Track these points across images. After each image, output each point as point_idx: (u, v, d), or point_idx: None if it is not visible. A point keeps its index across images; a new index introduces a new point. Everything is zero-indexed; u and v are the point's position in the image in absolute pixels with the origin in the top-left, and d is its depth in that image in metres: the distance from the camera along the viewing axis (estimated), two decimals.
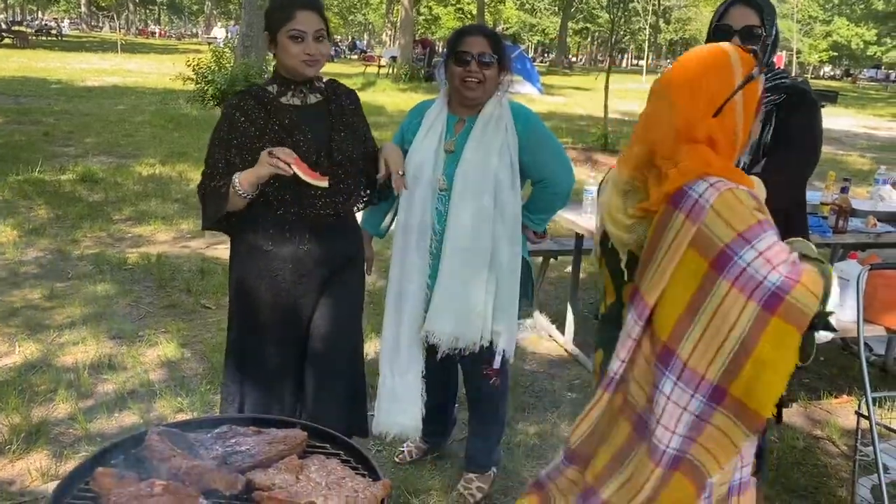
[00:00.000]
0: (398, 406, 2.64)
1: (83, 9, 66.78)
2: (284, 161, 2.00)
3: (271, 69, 2.46)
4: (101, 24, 73.47)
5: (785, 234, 2.38)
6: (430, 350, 2.62)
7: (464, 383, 2.87)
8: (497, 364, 2.61)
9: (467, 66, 2.44)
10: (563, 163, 2.63)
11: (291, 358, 2.34)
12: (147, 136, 10.64)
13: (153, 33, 66.98)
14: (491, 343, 2.58)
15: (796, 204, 2.52)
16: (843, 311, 3.45)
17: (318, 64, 2.19)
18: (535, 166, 2.56)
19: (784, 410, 3.65)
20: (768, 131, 2.39)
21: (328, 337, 2.32)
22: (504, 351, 2.61)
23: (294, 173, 2.03)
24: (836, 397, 3.85)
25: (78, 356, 3.82)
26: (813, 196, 4.23)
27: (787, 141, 2.34)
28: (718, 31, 2.35)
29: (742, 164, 2.42)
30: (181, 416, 3.29)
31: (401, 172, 2.32)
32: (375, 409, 2.69)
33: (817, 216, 3.85)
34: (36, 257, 5.37)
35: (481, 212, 2.47)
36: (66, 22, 65.72)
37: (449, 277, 2.50)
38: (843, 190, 3.88)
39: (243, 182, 2.08)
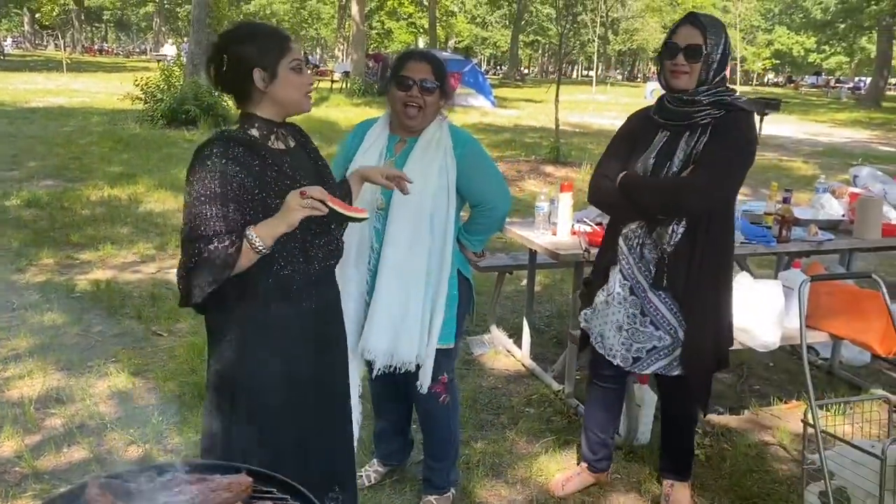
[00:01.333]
0: None
1: (26, 27, 65.29)
2: (319, 199, 1.82)
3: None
4: (45, 43, 71.94)
5: (705, 233, 2.58)
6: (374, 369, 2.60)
7: (414, 404, 2.87)
8: (428, 380, 2.60)
9: (409, 91, 2.46)
10: (500, 187, 2.68)
11: (297, 428, 2.10)
12: (95, 158, 10.43)
13: (101, 51, 65.82)
14: (436, 361, 2.58)
15: (726, 204, 2.67)
16: (789, 319, 3.55)
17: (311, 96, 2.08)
18: (472, 190, 2.60)
19: (735, 417, 3.74)
20: (700, 143, 2.53)
21: (335, 392, 2.20)
22: (444, 369, 2.65)
23: (331, 210, 1.85)
24: (785, 403, 3.94)
25: (24, 390, 3.72)
26: (757, 206, 4.36)
27: (708, 155, 2.50)
28: (667, 48, 2.56)
29: (674, 172, 2.55)
30: (133, 449, 3.22)
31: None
32: None
33: (761, 226, 3.95)
34: None
35: (417, 232, 2.49)
36: (9, 41, 64.17)
37: (385, 294, 2.50)
38: (786, 200, 3.99)
39: (264, 235, 1.84)
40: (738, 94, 2.66)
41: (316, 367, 2.09)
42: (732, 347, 3.33)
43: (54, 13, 33.72)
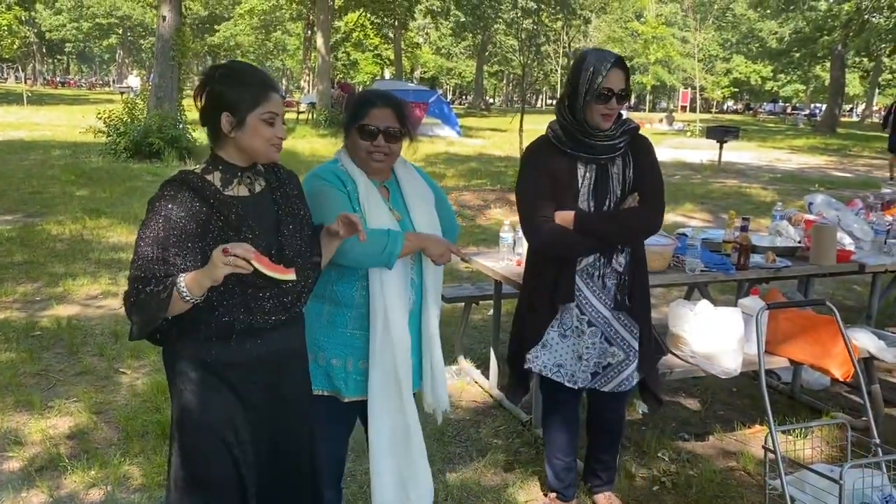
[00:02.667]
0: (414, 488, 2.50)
1: None
2: (243, 258, 1.79)
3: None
4: (5, 76, 71.04)
5: (640, 250, 2.82)
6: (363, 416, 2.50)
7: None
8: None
9: (374, 140, 2.37)
10: (454, 214, 2.75)
11: (247, 474, 2.09)
12: (56, 192, 10.29)
13: (63, 83, 65.15)
14: None
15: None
16: (749, 346, 3.62)
17: (281, 148, 2.05)
18: (441, 220, 2.61)
19: (701, 443, 3.79)
20: (629, 169, 2.75)
21: (289, 448, 2.18)
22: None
23: (255, 270, 1.83)
24: (748, 427, 3.99)
25: None
26: (716, 234, 4.45)
27: (646, 177, 2.76)
28: (602, 93, 2.63)
29: (616, 200, 2.74)
30: (94, 492, 3.15)
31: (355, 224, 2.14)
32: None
33: (721, 254, 4.04)
34: None
35: (439, 274, 2.53)
36: None
37: (436, 345, 2.51)
38: (743, 228, 4.08)
39: (191, 285, 1.83)
40: (625, 116, 2.84)
41: (262, 414, 2.09)
42: (696, 375, 3.45)
43: (14, 46, 33.33)
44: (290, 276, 1.95)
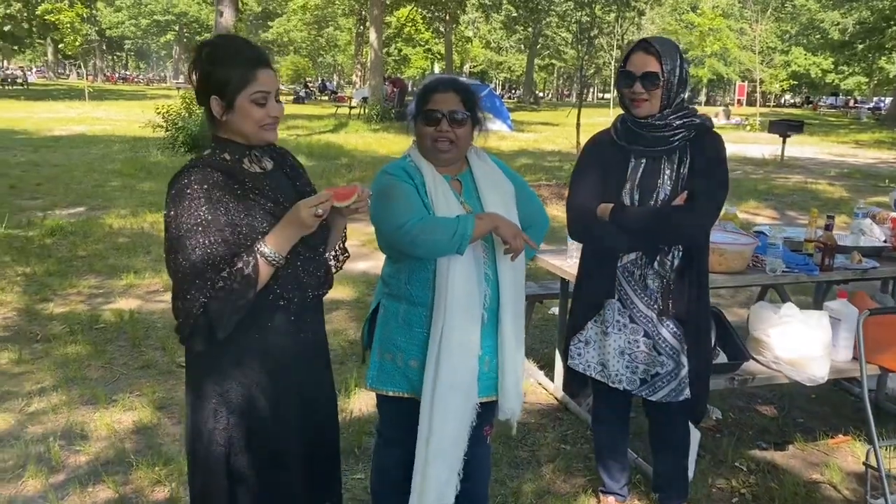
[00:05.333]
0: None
1: (50, 57, 66.56)
2: (324, 204, 1.78)
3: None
4: (68, 72, 73.23)
5: (698, 255, 2.62)
6: None
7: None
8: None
9: (437, 125, 2.27)
10: (541, 207, 2.62)
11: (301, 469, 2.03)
12: (117, 186, 10.47)
13: (124, 79, 66.87)
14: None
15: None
16: (837, 352, 3.42)
17: (277, 126, 1.95)
18: (524, 214, 2.49)
19: (780, 453, 3.59)
20: (685, 166, 2.56)
21: (329, 426, 2.14)
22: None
23: (346, 207, 1.85)
24: (832, 437, 3.78)
25: (48, 426, 3.64)
26: (797, 233, 4.23)
27: (700, 178, 2.54)
28: (623, 77, 2.56)
29: (664, 197, 2.56)
30: (159, 490, 3.12)
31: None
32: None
33: (802, 254, 3.83)
34: (4, 318, 5.17)
35: (518, 269, 2.38)
36: (33, 70, 65.41)
37: (510, 350, 2.36)
38: (828, 227, 3.86)
39: (278, 246, 1.77)
40: (697, 111, 2.66)
41: (306, 396, 2.01)
42: (777, 382, 3.26)
43: (76, 43, 34.28)
44: (354, 195, 1.88)
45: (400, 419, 2.37)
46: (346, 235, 2.23)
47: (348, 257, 2.26)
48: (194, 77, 1.89)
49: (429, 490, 2.28)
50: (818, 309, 4.50)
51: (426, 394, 2.26)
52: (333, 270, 2.15)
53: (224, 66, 1.83)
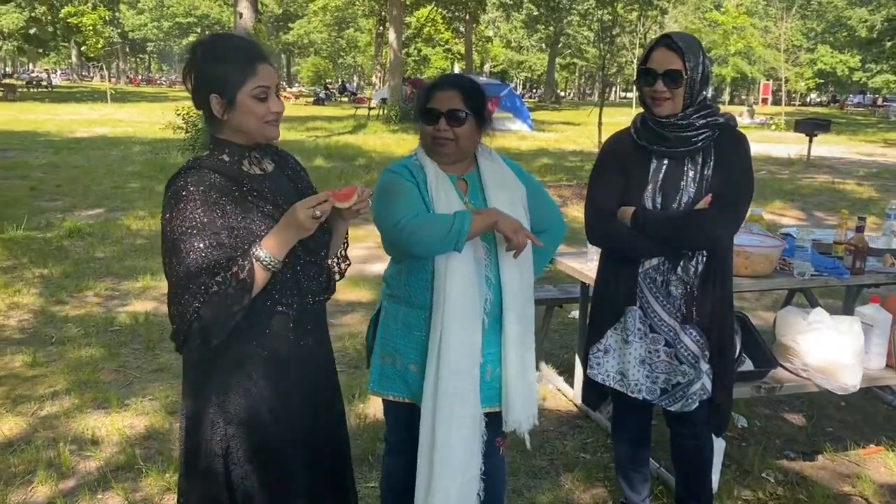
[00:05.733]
0: None
1: (74, 60, 67.39)
2: (323, 205, 1.70)
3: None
4: (91, 75, 74.12)
5: (722, 260, 2.50)
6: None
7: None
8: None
9: (436, 124, 2.21)
10: (557, 210, 2.53)
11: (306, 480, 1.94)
12: (137, 187, 10.50)
13: (148, 81, 67.52)
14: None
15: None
16: (869, 359, 3.29)
17: (279, 122, 1.87)
18: (538, 217, 2.40)
19: (809, 464, 3.46)
20: (709, 166, 2.45)
21: (336, 434, 2.05)
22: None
23: (347, 208, 1.78)
24: (863, 447, 3.64)
25: (60, 430, 3.60)
26: (825, 234, 4.09)
27: (725, 178, 2.44)
28: (644, 74, 2.45)
29: (688, 199, 2.45)
30: (169, 497, 3.06)
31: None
32: None
33: (831, 256, 3.69)
34: (19, 321, 5.16)
35: (524, 272, 2.29)
36: (58, 73, 66.26)
37: (516, 358, 2.26)
38: (859, 229, 3.72)
39: (273, 249, 1.70)
40: (720, 109, 2.56)
41: (306, 412, 1.92)
42: (807, 391, 3.14)
43: (99, 46, 34.62)
44: (354, 196, 1.80)
45: (401, 425, 2.30)
46: (347, 242, 2.15)
47: (349, 265, 2.18)
48: (190, 79, 1.81)
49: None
50: (848, 313, 4.36)
51: (426, 401, 2.17)
52: (336, 277, 2.07)
53: (222, 62, 1.76)
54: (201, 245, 1.67)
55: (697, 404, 2.55)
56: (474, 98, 2.24)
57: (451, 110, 2.19)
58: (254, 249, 1.71)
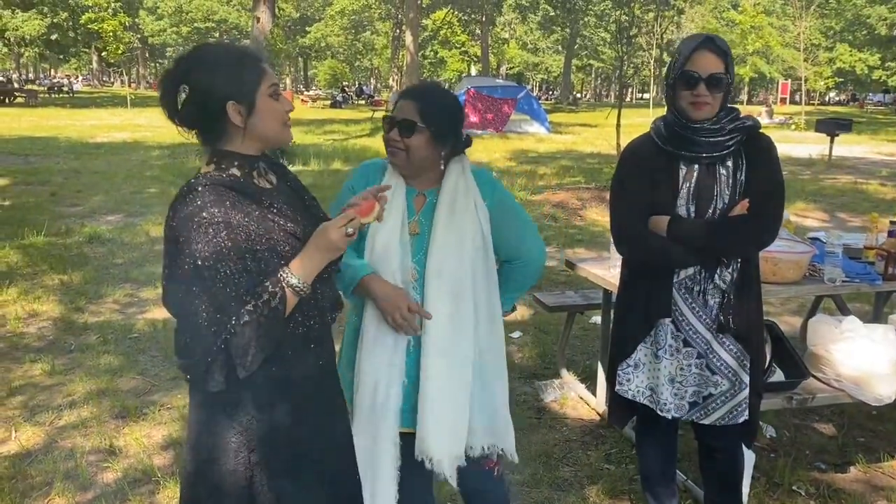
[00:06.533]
0: None
1: (94, 65, 68.06)
2: (353, 222, 1.66)
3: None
4: (112, 80, 74.85)
5: (755, 267, 2.45)
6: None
7: (461, 495, 2.43)
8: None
9: (389, 132, 2.18)
10: (535, 237, 2.35)
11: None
12: (155, 192, 10.53)
13: None
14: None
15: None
16: None
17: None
18: (506, 244, 2.27)
19: (841, 476, 3.36)
20: (741, 171, 2.39)
21: (350, 449, 1.97)
22: (499, 447, 2.25)
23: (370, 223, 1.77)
24: None
25: (78, 440, 3.58)
26: (854, 239, 3.99)
27: (761, 183, 2.38)
28: (685, 77, 2.33)
29: (723, 205, 2.38)
30: None
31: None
32: None
33: (862, 261, 3.59)
34: (39, 328, 5.16)
35: (461, 312, 2.14)
36: (79, 79, 66.97)
37: (436, 387, 2.11)
38: (891, 234, 3.61)
39: (303, 274, 1.63)
40: (740, 111, 2.46)
41: (323, 427, 1.84)
42: (840, 402, 3.05)
43: (119, 52, 34.93)
44: (375, 210, 1.75)
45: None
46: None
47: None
48: (181, 96, 1.68)
49: None
50: (878, 319, 4.26)
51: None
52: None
53: (230, 67, 1.66)
54: (227, 272, 1.57)
55: (737, 417, 2.47)
56: (433, 113, 2.15)
57: (403, 120, 2.15)
58: (283, 275, 1.62)
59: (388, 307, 2.07)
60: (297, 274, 1.63)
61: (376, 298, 2.09)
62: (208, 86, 1.65)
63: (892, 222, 3.66)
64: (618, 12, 20.13)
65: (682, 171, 2.43)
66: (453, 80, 46.07)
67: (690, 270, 2.43)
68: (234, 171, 1.70)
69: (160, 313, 5.48)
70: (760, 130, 2.45)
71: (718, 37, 2.39)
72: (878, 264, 3.51)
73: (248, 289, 1.59)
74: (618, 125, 12.12)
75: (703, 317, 2.44)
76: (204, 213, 1.58)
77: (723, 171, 2.39)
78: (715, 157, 2.38)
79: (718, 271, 2.40)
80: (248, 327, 1.57)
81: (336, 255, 1.70)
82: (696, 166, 2.41)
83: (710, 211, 2.39)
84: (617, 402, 2.69)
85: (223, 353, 1.59)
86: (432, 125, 2.14)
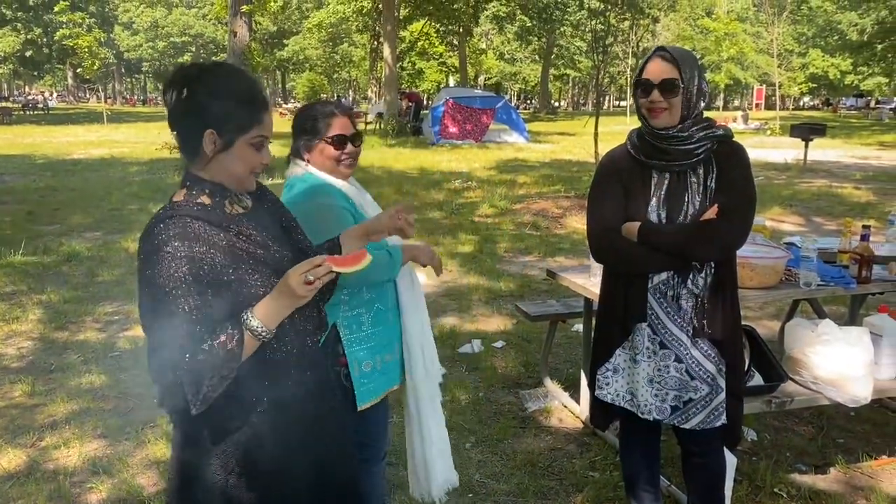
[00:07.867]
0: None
1: (70, 82, 67.52)
2: (321, 274, 1.59)
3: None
4: (87, 96, 74.26)
5: (729, 270, 2.49)
6: None
7: None
8: None
9: (343, 147, 2.49)
10: None
11: None
12: (135, 209, 10.46)
13: (144, 101, 67.64)
14: None
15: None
16: (879, 370, 3.25)
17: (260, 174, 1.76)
18: None
19: (822, 477, 3.41)
20: (711, 178, 2.44)
21: (345, 480, 1.96)
22: None
23: (339, 274, 1.67)
24: (875, 458, 3.59)
25: (60, 461, 3.55)
26: (829, 243, 4.06)
27: (731, 188, 2.43)
28: (640, 84, 2.44)
29: (693, 211, 2.43)
30: None
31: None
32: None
33: (836, 265, 3.66)
34: (19, 348, 5.11)
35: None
36: (54, 95, 66.40)
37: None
38: (864, 238, 3.68)
39: (266, 319, 1.59)
40: (715, 121, 2.52)
41: (313, 454, 1.82)
42: (818, 404, 3.09)
43: (95, 67, 34.69)
44: (367, 259, 1.71)
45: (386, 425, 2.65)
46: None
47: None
48: (181, 101, 1.67)
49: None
50: (854, 321, 4.33)
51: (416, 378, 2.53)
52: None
53: (229, 99, 1.65)
54: (186, 307, 1.54)
55: (714, 421, 2.51)
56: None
57: (354, 134, 2.52)
58: (245, 317, 1.59)
59: (427, 252, 2.53)
60: (259, 317, 1.60)
61: (417, 254, 2.50)
62: (202, 107, 1.65)
63: (864, 226, 3.73)
64: (593, 22, 20.35)
65: (654, 178, 2.49)
66: (432, 92, 46.24)
67: (664, 275, 2.47)
68: (205, 198, 1.68)
69: (141, 331, 5.45)
70: (733, 138, 2.51)
71: (673, 46, 2.48)
72: (853, 268, 3.58)
73: (206, 326, 1.56)
74: (595, 133, 12.22)
75: (679, 320, 2.48)
76: (168, 248, 1.56)
77: (693, 179, 2.45)
78: (685, 166, 2.44)
79: (691, 276, 2.44)
80: (201, 365, 1.54)
81: (300, 303, 1.63)
82: (668, 174, 2.47)
83: (681, 217, 2.44)
84: (598, 405, 2.73)
85: (177, 386, 1.56)
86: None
